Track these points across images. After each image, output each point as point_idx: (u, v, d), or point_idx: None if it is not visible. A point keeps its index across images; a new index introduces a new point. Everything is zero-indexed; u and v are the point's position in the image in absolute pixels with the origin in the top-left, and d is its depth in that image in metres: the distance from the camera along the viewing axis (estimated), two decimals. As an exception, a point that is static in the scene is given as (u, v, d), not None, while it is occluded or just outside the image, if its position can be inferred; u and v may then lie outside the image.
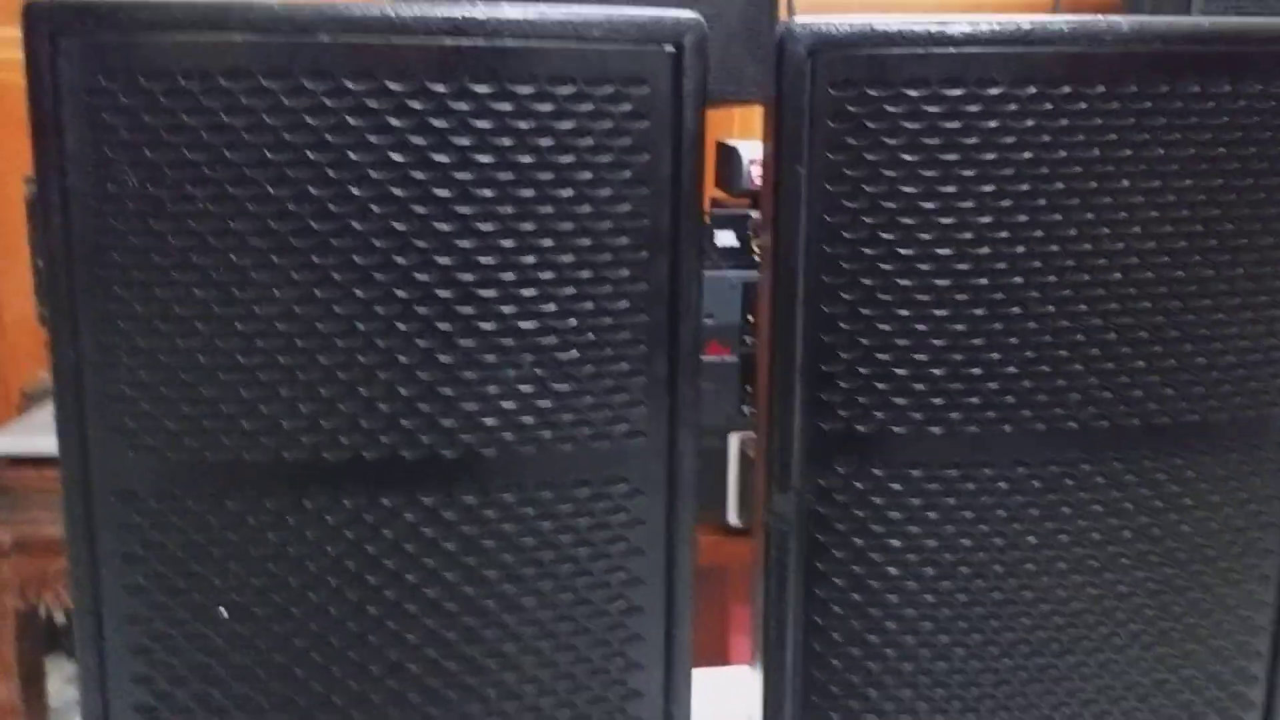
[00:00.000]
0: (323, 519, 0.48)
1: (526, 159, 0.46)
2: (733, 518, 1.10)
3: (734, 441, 1.08)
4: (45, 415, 1.37)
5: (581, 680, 0.52)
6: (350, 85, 0.45)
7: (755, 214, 1.06)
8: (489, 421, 0.48)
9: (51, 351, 0.47)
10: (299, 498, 0.48)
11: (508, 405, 0.48)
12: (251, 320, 0.46)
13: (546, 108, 0.46)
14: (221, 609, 0.48)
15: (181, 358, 0.46)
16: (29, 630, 1.32)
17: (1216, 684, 0.57)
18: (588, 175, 0.47)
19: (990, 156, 0.49)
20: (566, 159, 0.47)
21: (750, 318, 1.05)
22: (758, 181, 1.03)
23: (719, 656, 1.12)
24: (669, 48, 0.47)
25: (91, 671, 0.49)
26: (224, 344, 0.46)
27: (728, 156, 1.12)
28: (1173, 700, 0.56)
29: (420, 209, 0.46)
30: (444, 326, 0.47)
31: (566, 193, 0.47)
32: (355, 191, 0.45)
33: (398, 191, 0.46)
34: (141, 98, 0.44)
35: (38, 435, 1.30)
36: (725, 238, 1.06)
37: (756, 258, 1.05)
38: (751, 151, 1.05)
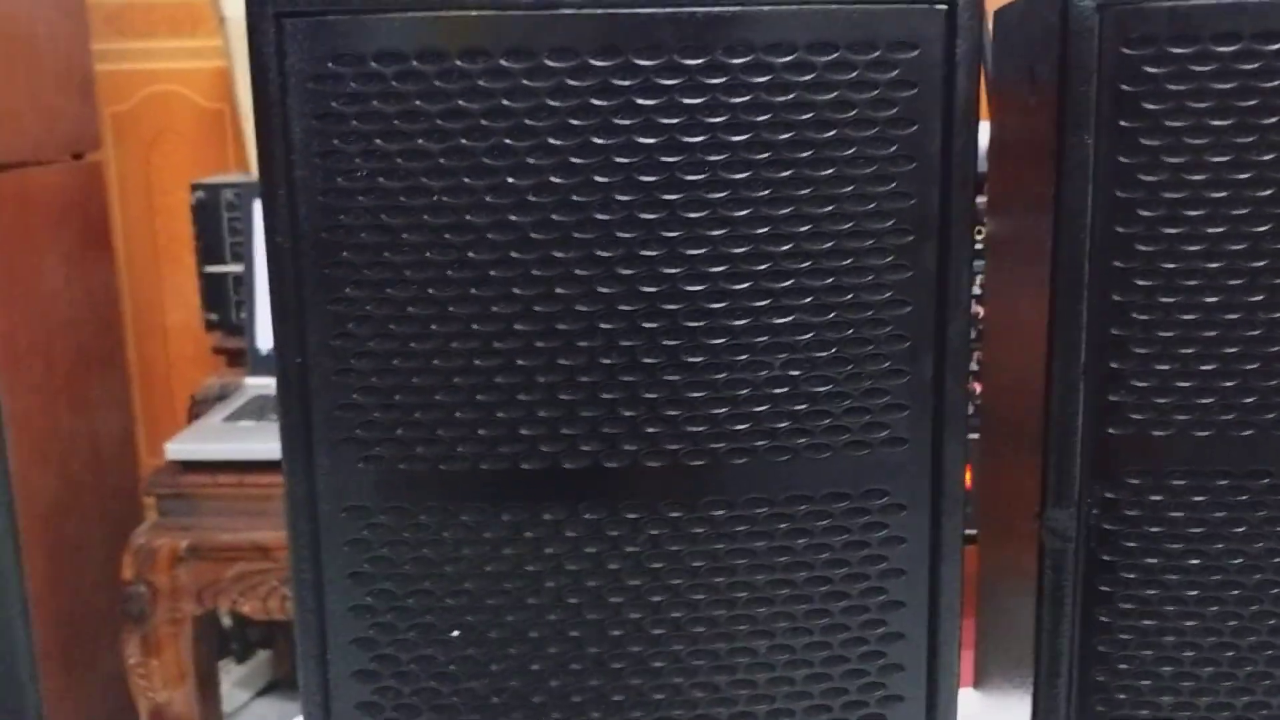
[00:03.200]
0: (562, 533, 0.44)
1: (782, 136, 0.42)
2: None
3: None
4: (215, 420, 1.38)
5: (837, 713, 0.47)
6: (595, 62, 0.41)
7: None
8: (738, 427, 0.44)
9: (277, 359, 0.44)
10: (537, 510, 0.44)
11: (758, 409, 0.44)
12: (489, 321, 0.43)
13: (805, 78, 0.42)
14: (454, 631, 0.45)
15: (416, 362, 0.43)
16: (205, 635, 1.34)
17: None
18: (849, 152, 0.42)
19: (1315, 118, 0.42)
20: (826, 135, 0.42)
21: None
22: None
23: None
24: (940, 6, 0.42)
25: (315, 696, 0.46)
26: (460, 346, 0.43)
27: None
28: None
29: (668, 196, 0.42)
30: (691, 324, 0.43)
31: (825, 172, 0.42)
32: (600, 179, 0.42)
33: (644, 178, 0.42)
34: (372, 82, 0.41)
35: (209, 441, 1.31)
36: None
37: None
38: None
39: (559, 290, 0.42)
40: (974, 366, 1.07)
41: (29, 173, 1.41)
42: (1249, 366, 0.44)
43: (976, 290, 1.03)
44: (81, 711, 1.45)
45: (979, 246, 0.97)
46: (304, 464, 0.45)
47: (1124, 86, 0.43)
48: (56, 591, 1.41)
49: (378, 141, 0.42)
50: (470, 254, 0.42)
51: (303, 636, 0.46)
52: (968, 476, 0.95)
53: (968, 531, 0.66)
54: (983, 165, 0.60)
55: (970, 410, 0.99)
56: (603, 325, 0.43)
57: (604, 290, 0.43)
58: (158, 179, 1.90)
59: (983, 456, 0.64)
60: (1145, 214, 0.43)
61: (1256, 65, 0.42)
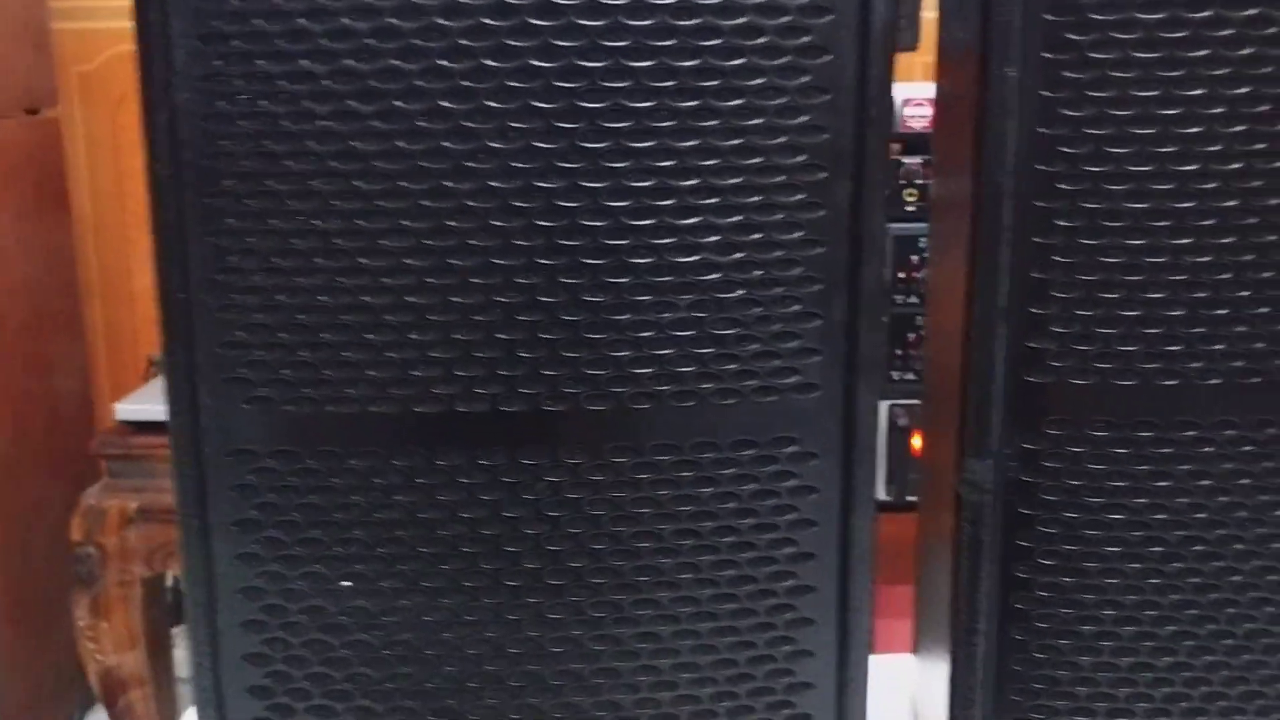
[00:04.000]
0: (457, 480, 0.42)
1: (689, 63, 0.40)
2: (880, 492, 1.03)
3: (882, 409, 1.00)
4: (169, 382, 1.36)
5: (744, 668, 0.45)
6: (487, -21, 0.39)
7: (908, 160, 0.98)
8: (642, 371, 0.42)
9: (159, 294, 0.42)
10: (431, 456, 0.42)
11: (663, 353, 0.42)
12: (378, 255, 0.41)
13: (713, 1, 0.39)
14: (344, 580, 0.43)
15: (301, 298, 0.41)
16: (155, 599, 1.32)
17: None
18: (759, 81, 0.40)
19: (1247, 51, 0.40)
20: (735, 62, 0.40)
21: (901, 275, 0.97)
22: (911, 124, 0.95)
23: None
24: (855, -72, 0.40)
25: (203, 648, 0.45)
26: (348, 282, 0.41)
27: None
28: None
29: (567, 124, 0.40)
30: (592, 262, 0.41)
31: (734, 102, 0.40)
32: (494, 104, 0.40)
33: (541, 104, 0.40)
34: (255, 0, 0.39)
35: (161, 402, 1.29)
36: (873, 187, 0.98)
37: (909, 208, 0.96)
38: (905, 91, 0.96)
39: (451, 224, 0.40)
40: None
41: (-21, 126, 1.38)
42: (1174, 313, 0.43)
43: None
44: (33, 673, 1.43)
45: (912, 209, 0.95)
46: (188, 404, 0.43)
47: (1049, 16, 0.41)
48: (7, 552, 1.39)
49: (260, 63, 0.39)
50: (357, 183, 0.40)
51: (190, 585, 0.44)
52: (919, 444, 0.92)
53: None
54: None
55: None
56: (499, 261, 0.41)
57: (499, 224, 0.41)
58: (126, 140, 1.87)
59: (924, 420, 0.62)
60: (1068, 151, 0.42)
61: (1186, -5, 0.40)
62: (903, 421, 0.98)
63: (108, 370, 1.89)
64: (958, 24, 0.46)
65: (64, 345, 1.60)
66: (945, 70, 0.53)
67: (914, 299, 0.97)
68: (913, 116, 0.95)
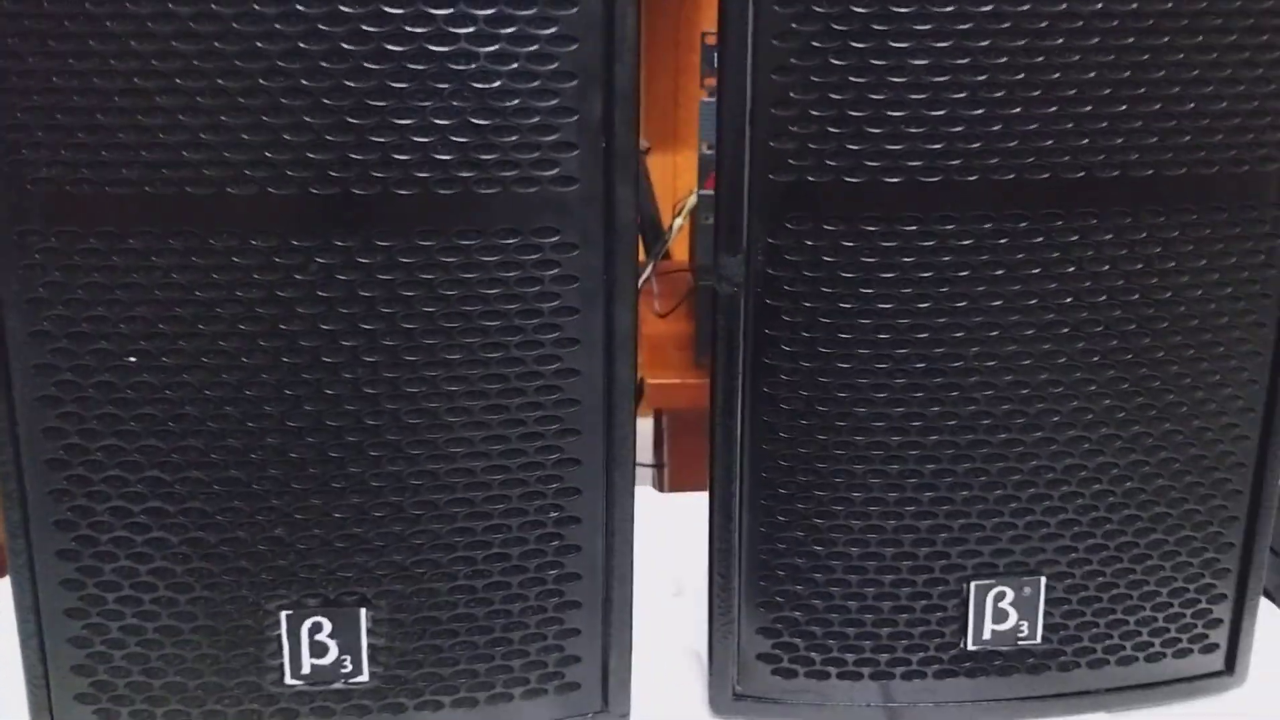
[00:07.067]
0: (231, 261, 0.45)
1: None
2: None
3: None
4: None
5: (514, 444, 0.49)
6: None
7: None
8: (404, 158, 0.45)
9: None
10: (205, 238, 0.45)
11: (424, 140, 0.45)
12: (148, 39, 0.43)
13: None
14: (131, 356, 0.46)
15: (78, 80, 0.43)
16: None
17: (1197, 469, 0.53)
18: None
19: None
20: None
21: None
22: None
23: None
24: None
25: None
26: (121, 65, 0.43)
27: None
28: (1149, 486, 0.53)
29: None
30: (353, 48, 0.44)
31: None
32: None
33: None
34: None
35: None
36: None
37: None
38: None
39: (236, 27, 0.43)
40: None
41: None
42: (897, 114, 0.46)
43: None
44: None
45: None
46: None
47: None
48: None
49: None
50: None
51: (-17, 364, 0.47)
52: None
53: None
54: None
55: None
56: (262, 46, 0.43)
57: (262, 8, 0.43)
58: None
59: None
60: (802, -42, 0.45)
61: None
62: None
63: None
64: None
65: None
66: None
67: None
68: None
